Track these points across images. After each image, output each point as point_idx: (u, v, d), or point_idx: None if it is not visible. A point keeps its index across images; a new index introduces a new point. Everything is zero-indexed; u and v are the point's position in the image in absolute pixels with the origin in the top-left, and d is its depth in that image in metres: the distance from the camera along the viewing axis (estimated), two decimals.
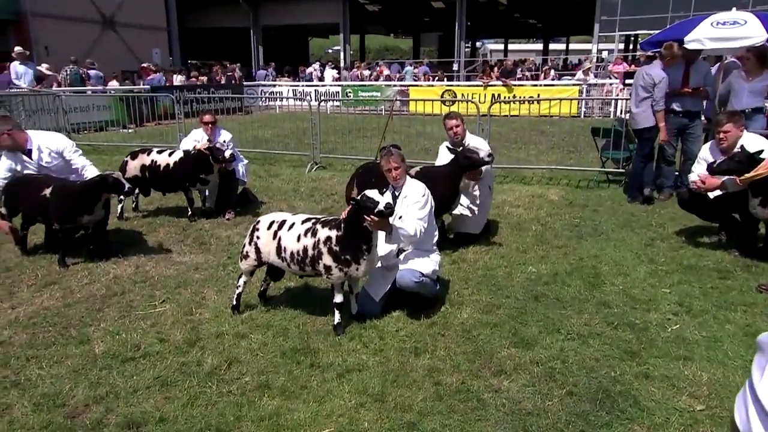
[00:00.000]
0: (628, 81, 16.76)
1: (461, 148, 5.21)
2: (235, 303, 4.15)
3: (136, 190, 6.70)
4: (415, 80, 22.51)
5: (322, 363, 3.45)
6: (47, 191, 5.01)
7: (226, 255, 5.45)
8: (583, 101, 17.16)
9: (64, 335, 3.82)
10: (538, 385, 3.16)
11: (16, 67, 13.55)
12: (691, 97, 6.75)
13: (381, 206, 3.49)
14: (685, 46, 6.57)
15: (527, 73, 21.81)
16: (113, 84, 17.89)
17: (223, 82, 21.04)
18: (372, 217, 3.55)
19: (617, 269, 4.86)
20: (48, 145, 5.50)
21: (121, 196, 6.51)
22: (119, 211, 6.56)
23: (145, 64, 20.34)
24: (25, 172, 5.41)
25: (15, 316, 4.10)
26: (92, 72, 17.74)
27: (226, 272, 5.00)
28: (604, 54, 23.04)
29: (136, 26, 24.54)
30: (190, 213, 6.55)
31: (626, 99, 15.27)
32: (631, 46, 31.02)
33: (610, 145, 8.07)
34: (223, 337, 3.79)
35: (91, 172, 5.54)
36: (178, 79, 21.67)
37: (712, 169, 4.69)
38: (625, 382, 3.14)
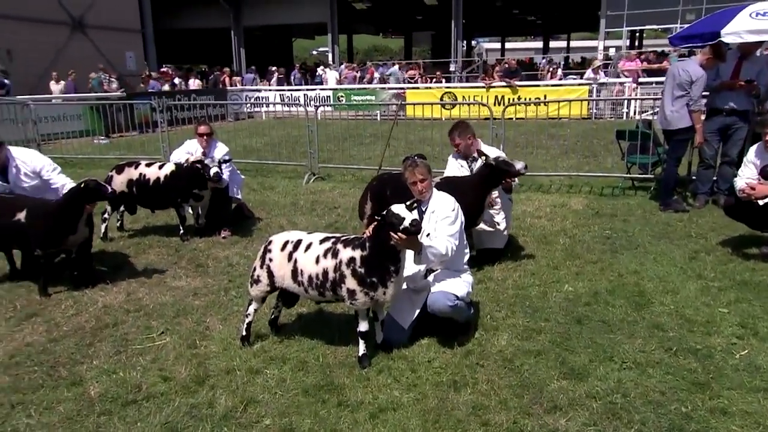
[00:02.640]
0: (641, 79, 16.89)
1: (484, 158, 5.08)
2: (244, 333, 3.96)
3: (122, 207, 6.55)
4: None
5: (350, 401, 3.27)
6: (21, 215, 4.78)
7: (227, 278, 5.26)
8: (594, 102, 17.19)
9: (52, 376, 3.61)
10: (601, 424, 3.00)
11: None
12: (743, 92, 6.55)
13: (406, 223, 3.34)
14: (721, 39, 6.50)
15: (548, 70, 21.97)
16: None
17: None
18: (399, 234, 3.39)
19: (663, 286, 4.73)
20: (25, 163, 5.30)
21: (106, 215, 6.34)
22: (103, 230, 6.34)
23: (162, 71, 20.47)
24: None
25: None
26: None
27: (229, 297, 4.82)
28: (612, 51, 23.16)
29: (108, 28, 24.30)
30: (182, 232, 6.35)
31: (640, 99, 15.44)
32: (636, 42, 31.38)
33: (636, 149, 7.99)
34: (234, 373, 3.60)
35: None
36: (196, 84, 21.67)
37: (766, 173, 4.60)
38: (700, 419, 2.98)
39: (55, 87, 17.50)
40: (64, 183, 5.34)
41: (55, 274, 5.17)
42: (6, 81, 15.84)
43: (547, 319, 4.24)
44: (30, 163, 5.32)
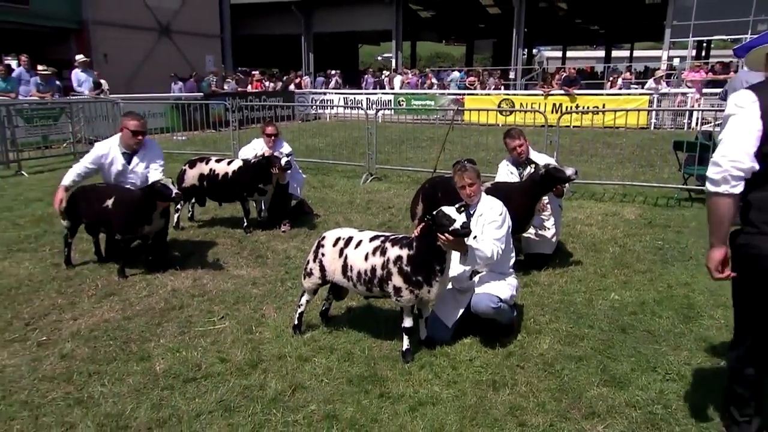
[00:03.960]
0: (705, 90, 16.02)
1: (533, 166, 5.00)
2: (296, 323, 4.06)
3: (193, 199, 6.82)
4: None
5: (392, 393, 3.29)
6: (109, 202, 5.09)
7: (284, 269, 5.39)
8: (653, 112, 16.45)
9: (124, 350, 3.82)
10: None
11: (77, 75, 14.19)
12: None
13: (457, 225, 3.32)
14: None
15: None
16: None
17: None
18: (447, 235, 3.38)
19: (714, 300, 4.49)
20: (148, 154, 5.42)
21: (178, 206, 6.62)
22: (176, 220, 6.64)
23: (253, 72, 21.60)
24: (113, 170, 5.34)
25: (77, 327, 4.14)
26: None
27: (285, 288, 4.94)
28: (676, 61, 22.05)
29: (191, 33, 25.35)
30: (245, 224, 6.56)
31: (701, 110, 14.65)
32: (703, 53, 29.78)
33: (694, 161, 7.60)
34: (285, 359, 3.69)
35: None
36: (271, 86, 22.60)
37: None
38: None
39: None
40: (155, 179, 5.49)
41: (133, 258, 5.47)
42: (101, 81, 16.85)
43: (590, 326, 4.11)
44: (152, 156, 5.42)
